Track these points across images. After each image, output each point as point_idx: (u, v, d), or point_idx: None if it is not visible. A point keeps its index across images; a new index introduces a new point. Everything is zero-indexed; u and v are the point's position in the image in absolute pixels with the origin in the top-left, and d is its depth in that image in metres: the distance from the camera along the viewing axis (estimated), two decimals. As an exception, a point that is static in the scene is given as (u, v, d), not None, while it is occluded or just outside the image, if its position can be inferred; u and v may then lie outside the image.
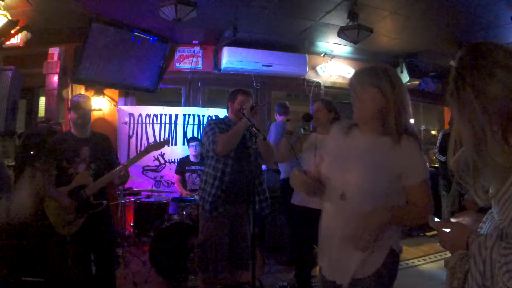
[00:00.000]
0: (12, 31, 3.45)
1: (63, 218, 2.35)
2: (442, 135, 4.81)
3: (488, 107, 0.81)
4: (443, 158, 4.67)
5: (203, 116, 4.81)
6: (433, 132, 8.42)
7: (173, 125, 4.72)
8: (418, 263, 3.84)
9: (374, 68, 1.36)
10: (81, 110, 2.48)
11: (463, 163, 0.92)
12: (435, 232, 1.30)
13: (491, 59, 0.83)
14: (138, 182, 4.23)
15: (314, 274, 3.58)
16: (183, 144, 4.70)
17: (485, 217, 0.98)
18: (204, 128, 2.64)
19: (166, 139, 2.68)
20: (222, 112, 4.62)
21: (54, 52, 3.98)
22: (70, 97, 4.18)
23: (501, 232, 0.87)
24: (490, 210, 0.97)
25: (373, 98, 1.30)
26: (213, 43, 4.84)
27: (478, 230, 0.98)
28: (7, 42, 3.57)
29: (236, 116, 2.57)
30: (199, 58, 4.92)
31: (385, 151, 1.31)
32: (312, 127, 2.79)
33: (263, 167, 4.67)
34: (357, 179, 1.32)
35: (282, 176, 3.69)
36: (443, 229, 0.97)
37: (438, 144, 4.82)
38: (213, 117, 4.64)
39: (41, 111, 4.60)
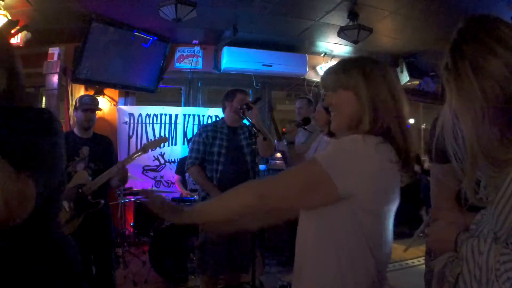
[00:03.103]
0: (12, 31, 3.45)
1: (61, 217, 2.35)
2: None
3: (488, 86, 0.73)
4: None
5: (203, 116, 4.81)
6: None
7: (173, 125, 4.72)
8: (418, 263, 3.85)
9: (341, 64, 1.11)
10: (90, 113, 2.50)
11: (462, 146, 0.80)
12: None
13: (494, 35, 0.75)
14: (138, 182, 4.23)
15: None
16: (183, 144, 4.70)
17: (475, 219, 0.90)
18: (195, 135, 2.70)
19: (163, 136, 2.69)
20: (222, 112, 4.62)
21: (54, 52, 3.98)
22: (70, 96, 4.19)
23: (495, 235, 0.81)
24: (481, 211, 0.89)
25: (345, 103, 1.05)
26: (213, 43, 4.84)
27: (469, 231, 0.90)
28: (7, 42, 3.58)
29: (236, 114, 2.58)
30: (199, 58, 4.92)
31: None
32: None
33: (263, 167, 4.66)
34: None
35: None
36: (432, 227, 0.94)
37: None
38: (213, 117, 4.68)
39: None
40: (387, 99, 1.02)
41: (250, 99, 2.69)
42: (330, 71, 1.14)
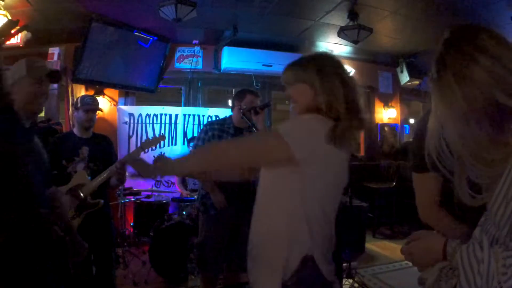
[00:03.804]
0: (12, 31, 3.45)
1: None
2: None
3: (471, 93, 0.75)
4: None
5: (203, 116, 4.81)
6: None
7: (173, 125, 4.72)
8: (418, 263, 3.85)
9: (299, 60, 1.28)
10: (91, 113, 2.51)
11: (446, 151, 0.84)
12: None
13: (475, 44, 0.78)
14: (138, 182, 4.23)
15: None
16: (183, 144, 4.70)
17: (480, 221, 0.89)
18: (200, 131, 2.68)
19: (162, 134, 2.69)
20: (222, 112, 4.63)
21: (54, 52, 3.98)
22: (71, 96, 4.19)
23: (492, 237, 0.79)
24: (485, 213, 0.87)
25: (302, 94, 1.22)
26: (213, 43, 4.84)
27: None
28: (7, 42, 3.58)
29: (242, 116, 2.56)
30: (199, 58, 4.92)
31: None
32: None
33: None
34: None
35: None
36: (412, 240, 0.90)
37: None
38: (213, 117, 4.68)
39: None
40: (339, 90, 1.17)
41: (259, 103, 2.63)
42: (288, 67, 1.29)
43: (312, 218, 1.17)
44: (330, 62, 1.24)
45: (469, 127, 0.76)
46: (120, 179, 2.54)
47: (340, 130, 1.14)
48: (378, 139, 5.88)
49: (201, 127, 4.69)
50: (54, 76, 1.65)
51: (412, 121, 7.36)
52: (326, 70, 1.20)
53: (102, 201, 2.44)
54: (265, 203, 1.26)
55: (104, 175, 2.40)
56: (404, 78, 5.60)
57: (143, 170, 1.26)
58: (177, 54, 4.86)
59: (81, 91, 4.31)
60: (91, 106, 2.52)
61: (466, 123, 0.76)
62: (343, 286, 2.94)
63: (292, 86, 1.26)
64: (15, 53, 3.95)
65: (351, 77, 1.24)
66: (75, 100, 3.59)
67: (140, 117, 4.63)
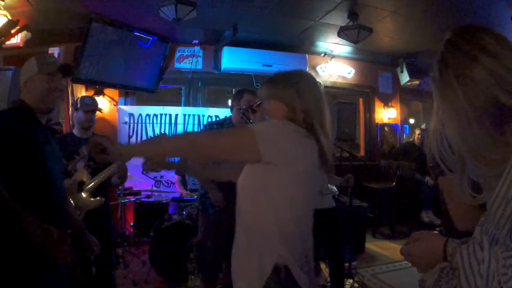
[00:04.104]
0: (12, 31, 3.46)
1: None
2: None
3: (471, 93, 0.76)
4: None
5: (203, 116, 4.81)
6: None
7: (173, 125, 4.72)
8: (418, 263, 3.85)
9: (275, 79, 1.35)
10: (91, 113, 2.51)
11: (448, 150, 0.85)
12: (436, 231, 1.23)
13: (476, 43, 0.78)
14: (138, 182, 4.23)
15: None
16: (183, 144, 4.70)
17: (479, 220, 0.90)
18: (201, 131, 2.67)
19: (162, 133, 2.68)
20: (222, 112, 4.63)
21: (54, 52, 3.98)
22: (71, 96, 4.19)
23: (492, 237, 0.79)
24: (485, 212, 0.88)
25: (277, 110, 1.29)
26: (213, 43, 4.84)
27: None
28: (7, 42, 3.58)
29: (242, 115, 2.56)
30: (199, 58, 4.92)
31: None
32: None
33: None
34: None
35: None
36: (411, 241, 0.89)
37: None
38: (213, 117, 4.67)
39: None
40: (313, 108, 1.26)
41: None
42: (266, 84, 1.36)
43: (282, 221, 1.18)
44: (307, 82, 1.32)
45: (470, 127, 0.76)
46: (122, 177, 2.54)
47: (325, 150, 1.25)
48: (378, 139, 5.88)
49: (201, 127, 4.69)
50: (65, 70, 1.63)
51: (412, 121, 7.36)
52: (304, 90, 1.28)
53: (103, 198, 2.44)
54: (243, 202, 1.28)
55: (105, 173, 2.40)
56: (404, 78, 5.60)
57: (109, 151, 1.21)
58: (177, 54, 4.86)
59: (81, 91, 4.31)
60: (90, 106, 2.53)
61: (467, 122, 0.76)
62: (344, 286, 2.94)
63: (269, 102, 1.33)
64: (15, 53, 3.96)
65: (324, 96, 1.34)
66: (75, 100, 3.59)
67: (140, 117, 4.63)
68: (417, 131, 5.52)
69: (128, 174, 2.66)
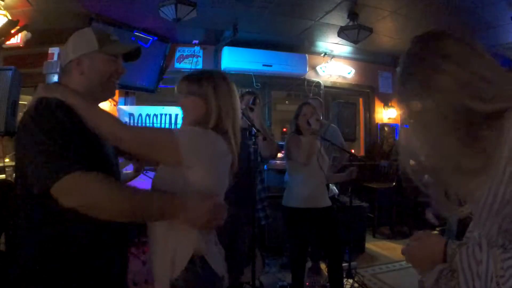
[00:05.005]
0: (12, 31, 3.46)
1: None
2: None
3: (439, 102, 0.74)
4: None
5: (203, 116, 4.81)
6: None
7: (173, 125, 4.72)
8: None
9: (194, 75, 1.39)
10: None
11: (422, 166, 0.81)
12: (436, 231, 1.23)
13: (438, 52, 0.77)
14: (138, 182, 4.23)
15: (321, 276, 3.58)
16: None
17: (470, 226, 0.88)
18: None
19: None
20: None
21: (54, 52, 3.98)
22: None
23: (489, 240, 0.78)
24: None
25: (195, 106, 1.33)
26: (213, 43, 4.84)
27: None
28: (7, 42, 3.58)
29: (243, 115, 2.57)
30: (199, 58, 4.92)
31: None
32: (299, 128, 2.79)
33: (264, 167, 4.64)
34: None
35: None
36: (412, 241, 0.88)
37: None
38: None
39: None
40: (229, 108, 1.33)
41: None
42: (185, 79, 1.39)
43: None
44: (224, 82, 1.36)
45: (443, 138, 0.74)
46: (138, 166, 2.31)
47: (234, 150, 1.34)
48: (378, 139, 5.88)
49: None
50: (133, 54, 1.43)
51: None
52: (221, 88, 1.34)
53: None
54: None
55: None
56: (404, 78, 5.59)
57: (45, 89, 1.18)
58: (177, 54, 4.86)
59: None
60: None
61: (439, 134, 0.75)
62: (344, 286, 2.94)
63: (186, 97, 1.36)
64: (15, 53, 3.96)
65: (238, 99, 1.41)
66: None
67: (140, 117, 4.62)
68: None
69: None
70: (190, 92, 1.35)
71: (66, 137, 1.04)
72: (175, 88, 1.42)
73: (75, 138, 1.06)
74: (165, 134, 1.29)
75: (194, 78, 1.38)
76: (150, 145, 1.19)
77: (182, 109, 1.40)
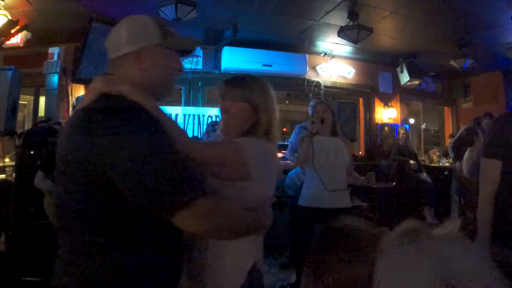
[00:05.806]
0: (12, 31, 3.46)
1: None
2: (464, 129, 4.46)
3: None
4: (452, 155, 4.63)
5: (203, 116, 4.81)
6: (433, 132, 8.43)
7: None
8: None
9: (243, 80, 1.37)
10: None
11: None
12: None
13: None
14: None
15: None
16: (183, 144, 4.70)
17: None
18: (204, 132, 2.66)
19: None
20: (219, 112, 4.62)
21: (54, 52, 3.98)
22: (70, 96, 4.19)
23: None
24: None
25: (245, 113, 1.29)
26: (213, 43, 4.84)
27: None
28: (7, 42, 3.58)
29: None
30: (199, 58, 4.92)
31: None
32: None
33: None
34: None
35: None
36: None
37: (455, 139, 4.62)
38: (213, 117, 4.67)
39: (41, 111, 4.60)
40: (275, 114, 1.33)
41: None
42: (231, 84, 1.37)
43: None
44: (270, 88, 1.36)
45: None
46: None
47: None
48: (378, 139, 5.88)
49: (201, 127, 4.70)
50: (189, 50, 1.35)
51: (412, 121, 7.36)
52: (270, 96, 1.34)
53: None
54: None
55: None
56: (404, 78, 5.60)
57: None
58: (177, 54, 4.86)
59: (81, 91, 4.31)
60: None
61: None
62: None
63: (234, 102, 1.31)
64: (15, 53, 3.97)
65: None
66: (73, 100, 3.60)
67: (140, 117, 4.62)
68: (401, 130, 5.53)
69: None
70: (239, 98, 1.31)
71: (178, 154, 0.91)
72: (221, 93, 1.40)
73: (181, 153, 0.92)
74: (232, 148, 1.24)
75: (242, 83, 1.35)
76: (217, 161, 1.19)
77: (226, 115, 1.35)
